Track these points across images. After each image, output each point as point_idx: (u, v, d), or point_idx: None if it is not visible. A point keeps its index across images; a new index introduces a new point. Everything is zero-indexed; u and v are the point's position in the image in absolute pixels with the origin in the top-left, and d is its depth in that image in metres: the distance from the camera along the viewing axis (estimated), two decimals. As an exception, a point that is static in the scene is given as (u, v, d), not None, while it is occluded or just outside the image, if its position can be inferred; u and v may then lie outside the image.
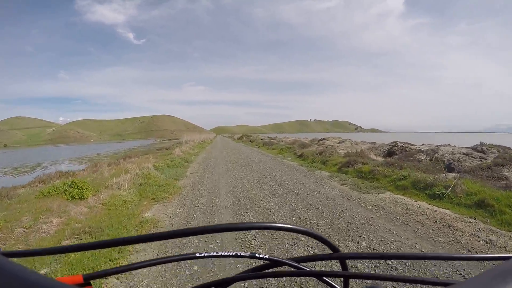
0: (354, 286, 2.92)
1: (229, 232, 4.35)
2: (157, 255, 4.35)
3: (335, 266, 3.06)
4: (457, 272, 3.51)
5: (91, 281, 0.48)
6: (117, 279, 3.52)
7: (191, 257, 0.55)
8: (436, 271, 3.51)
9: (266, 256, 0.56)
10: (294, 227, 0.52)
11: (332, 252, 0.58)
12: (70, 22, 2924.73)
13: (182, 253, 0.71)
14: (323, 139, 25.04)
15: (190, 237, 4.62)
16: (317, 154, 15.48)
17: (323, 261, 2.00)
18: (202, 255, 0.54)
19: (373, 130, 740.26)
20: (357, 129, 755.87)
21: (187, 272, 3.66)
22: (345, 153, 14.98)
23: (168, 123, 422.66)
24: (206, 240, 4.69)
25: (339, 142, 20.85)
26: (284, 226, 0.52)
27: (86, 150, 69.75)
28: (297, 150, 19.45)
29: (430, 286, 0.51)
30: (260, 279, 3.15)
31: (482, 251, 4.23)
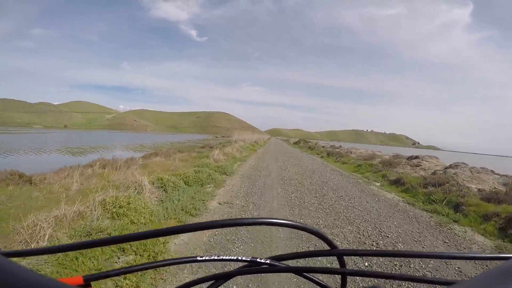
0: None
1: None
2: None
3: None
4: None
5: (91, 283, 0.48)
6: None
7: (192, 260, 0.55)
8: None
9: (268, 261, 0.56)
10: (291, 222, 0.52)
11: (330, 248, 0.57)
12: (135, 17, 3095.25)
13: (183, 256, 0.71)
14: (416, 157, 17.72)
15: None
16: (432, 186, 9.62)
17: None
18: (203, 258, 0.55)
19: (431, 147, 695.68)
20: (414, 144, 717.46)
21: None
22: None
23: (223, 120, 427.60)
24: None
25: (449, 167, 13.87)
26: (282, 222, 0.52)
27: (143, 138, 74.03)
28: (384, 170, 13.80)
29: (430, 285, 0.52)
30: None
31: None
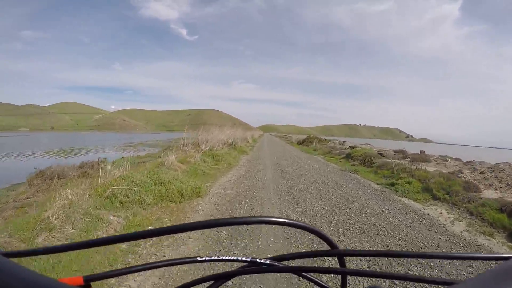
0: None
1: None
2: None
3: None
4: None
5: (91, 283, 0.48)
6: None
7: (192, 261, 0.56)
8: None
9: (268, 262, 0.56)
10: (293, 221, 0.52)
11: (330, 248, 0.57)
12: (125, 16, 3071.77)
13: (183, 256, 0.62)
14: (445, 159, 14.13)
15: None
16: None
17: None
18: (203, 259, 0.55)
19: (424, 140, 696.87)
20: (408, 137, 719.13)
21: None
22: None
23: (214, 118, 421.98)
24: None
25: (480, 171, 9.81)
26: (283, 221, 0.52)
27: (112, 139, 64.78)
28: (432, 177, 8.97)
29: (431, 285, 0.52)
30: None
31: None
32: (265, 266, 0.56)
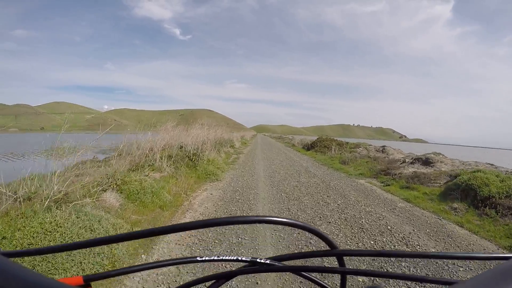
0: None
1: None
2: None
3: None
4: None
5: (92, 283, 0.48)
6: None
7: (192, 260, 0.56)
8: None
9: (268, 262, 0.56)
10: (293, 221, 0.52)
11: (330, 248, 0.57)
12: (118, 16, 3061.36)
13: (183, 256, 0.64)
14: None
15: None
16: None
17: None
18: (203, 259, 0.55)
19: (418, 140, 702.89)
20: (401, 137, 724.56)
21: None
22: None
23: (206, 118, 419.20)
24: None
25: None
26: (284, 221, 0.52)
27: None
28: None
29: (430, 284, 0.54)
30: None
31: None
32: (265, 266, 0.56)
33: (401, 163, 14.02)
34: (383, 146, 21.07)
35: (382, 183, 10.93)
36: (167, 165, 9.19)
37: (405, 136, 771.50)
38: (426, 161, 13.02)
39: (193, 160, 10.92)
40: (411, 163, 13.57)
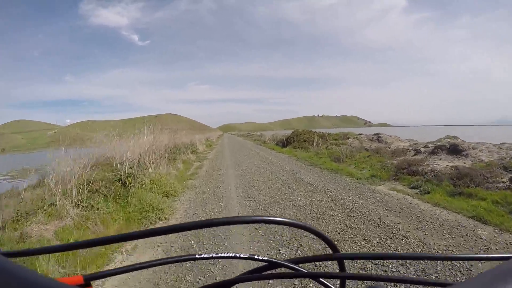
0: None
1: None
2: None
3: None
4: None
5: (92, 282, 0.48)
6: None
7: (191, 258, 0.55)
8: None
9: (265, 258, 0.57)
10: (294, 221, 0.52)
11: (331, 250, 0.58)
12: (74, 26, 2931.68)
13: (181, 254, 0.69)
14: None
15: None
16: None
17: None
18: (202, 256, 0.55)
19: (383, 125, 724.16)
20: (366, 124, 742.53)
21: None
22: None
23: (172, 122, 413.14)
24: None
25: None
26: (284, 221, 0.52)
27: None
28: None
29: (429, 286, 0.53)
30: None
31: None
32: (264, 267, 0.57)
33: (414, 154, 10.99)
34: (377, 134, 18.85)
35: (413, 188, 7.55)
36: (77, 202, 5.90)
37: (370, 122, 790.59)
38: (454, 149, 9.87)
39: (127, 184, 7.47)
40: (432, 152, 10.35)
